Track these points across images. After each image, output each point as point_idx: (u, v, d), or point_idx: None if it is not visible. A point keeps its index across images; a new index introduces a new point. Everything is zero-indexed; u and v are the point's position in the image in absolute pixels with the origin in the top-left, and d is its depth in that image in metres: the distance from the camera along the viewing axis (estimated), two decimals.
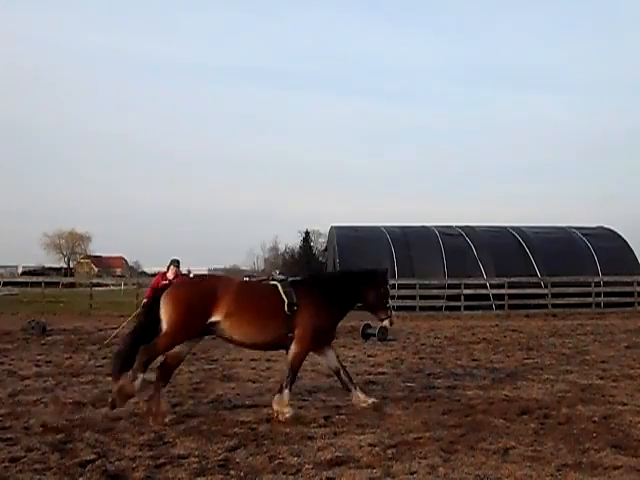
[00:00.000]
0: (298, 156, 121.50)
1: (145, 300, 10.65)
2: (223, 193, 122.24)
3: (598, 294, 21.11)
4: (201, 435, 5.35)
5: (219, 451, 4.89)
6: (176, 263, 10.97)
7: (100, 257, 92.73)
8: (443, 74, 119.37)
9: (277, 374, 8.47)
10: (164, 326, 5.77)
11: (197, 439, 5.22)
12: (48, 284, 25.81)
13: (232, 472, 4.40)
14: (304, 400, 6.79)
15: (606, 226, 25.51)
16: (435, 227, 24.33)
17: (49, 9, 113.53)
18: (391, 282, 20.70)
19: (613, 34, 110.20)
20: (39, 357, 10.07)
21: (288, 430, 5.50)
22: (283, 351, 11.37)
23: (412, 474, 4.35)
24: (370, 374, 8.49)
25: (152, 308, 5.97)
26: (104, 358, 10.01)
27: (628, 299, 21.10)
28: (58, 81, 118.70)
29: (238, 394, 7.11)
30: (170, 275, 10.89)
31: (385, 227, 24.32)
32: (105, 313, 20.47)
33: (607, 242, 23.67)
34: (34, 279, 31.34)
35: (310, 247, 76.15)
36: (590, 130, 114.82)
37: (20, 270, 70.71)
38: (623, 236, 24.33)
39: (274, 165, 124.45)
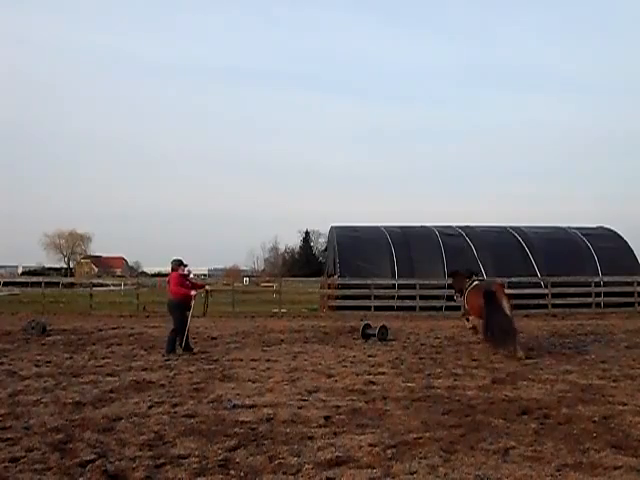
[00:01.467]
0: (298, 156, 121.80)
1: (194, 292, 10.95)
2: (223, 193, 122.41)
3: (598, 294, 21.06)
4: (201, 435, 5.35)
5: (219, 451, 4.89)
6: (184, 263, 11.23)
7: (100, 257, 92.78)
8: (443, 75, 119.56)
9: (277, 374, 8.47)
10: (508, 311, 10.16)
11: (197, 439, 5.22)
12: (48, 284, 25.71)
13: (232, 472, 4.40)
14: (304, 400, 6.78)
15: (606, 226, 25.48)
16: (435, 227, 24.28)
17: (49, 10, 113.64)
18: (391, 282, 20.91)
19: (614, 35, 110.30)
20: (39, 357, 10.07)
21: (288, 430, 5.50)
22: (283, 351, 11.42)
23: (412, 474, 4.35)
24: (370, 374, 8.48)
25: (491, 303, 10.23)
26: (104, 358, 10.02)
27: (628, 299, 21.03)
28: (58, 82, 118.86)
29: (238, 394, 7.11)
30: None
31: (385, 227, 24.27)
32: (105, 313, 20.48)
33: (607, 242, 23.60)
34: (34, 279, 31.37)
35: (310, 247, 76.17)
36: (590, 130, 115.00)
37: (20, 270, 70.84)
38: (623, 236, 24.29)
39: (274, 165, 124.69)
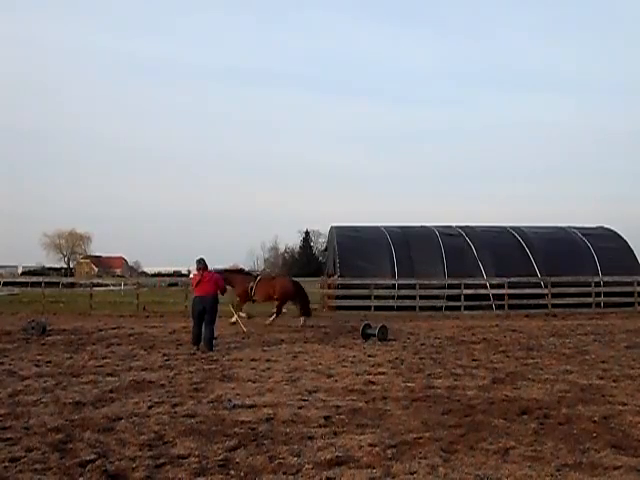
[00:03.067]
0: (298, 156, 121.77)
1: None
2: (223, 193, 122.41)
3: (598, 294, 21.04)
4: (201, 435, 5.35)
5: (219, 451, 4.89)
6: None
7: (100, 257, 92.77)
8: (443, 75, 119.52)
9: (277, 374, 8.47)
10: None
11: (197, 439, 5.22)
12: (48, 284, 25.67)
13: (232, 472, 4.40)
14: (304, 400, 6.78)
15: (606, 226, 25.47)
16: (435, 227, 24.26)
17: (50, 11, 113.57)
18: (391, 282, 20.91)
19: (614, 34, 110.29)
20: (39, 357, 10.06)
21: (288, 430, 5.50)
22: (283, 351, 11.47)
23: (412, 474, 4.35)
24: (370, 374, 8.48)
25: (301, 288, 16.17)
26: (104, 358, 10.02)
27: (628, 299, 21.01)
28: (58, 83, 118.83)
29: (238, 394, 7.11)
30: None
31: (385, 227, 24.25)
32: (105, 313, 20.45)
33: (607, 242, 23.58)
34: (34, 279, 31.27)
35: (310, 247, 76.12)
36: (590, 130, 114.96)
37: (20, 270, 70.74)
38: (623, 236, 24.28)
39: (274, 165, 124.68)
